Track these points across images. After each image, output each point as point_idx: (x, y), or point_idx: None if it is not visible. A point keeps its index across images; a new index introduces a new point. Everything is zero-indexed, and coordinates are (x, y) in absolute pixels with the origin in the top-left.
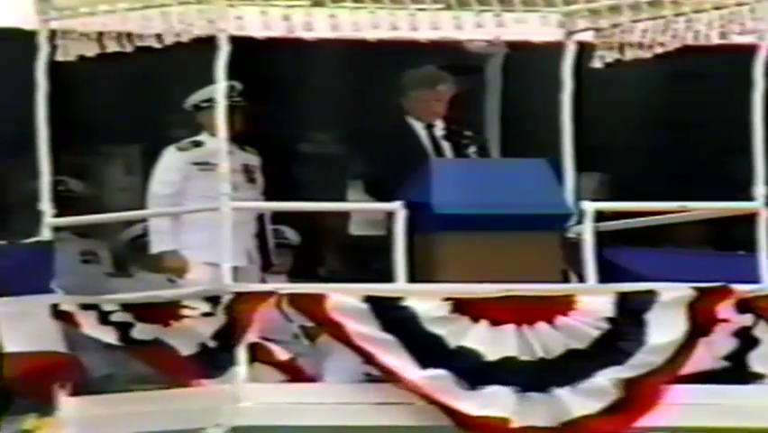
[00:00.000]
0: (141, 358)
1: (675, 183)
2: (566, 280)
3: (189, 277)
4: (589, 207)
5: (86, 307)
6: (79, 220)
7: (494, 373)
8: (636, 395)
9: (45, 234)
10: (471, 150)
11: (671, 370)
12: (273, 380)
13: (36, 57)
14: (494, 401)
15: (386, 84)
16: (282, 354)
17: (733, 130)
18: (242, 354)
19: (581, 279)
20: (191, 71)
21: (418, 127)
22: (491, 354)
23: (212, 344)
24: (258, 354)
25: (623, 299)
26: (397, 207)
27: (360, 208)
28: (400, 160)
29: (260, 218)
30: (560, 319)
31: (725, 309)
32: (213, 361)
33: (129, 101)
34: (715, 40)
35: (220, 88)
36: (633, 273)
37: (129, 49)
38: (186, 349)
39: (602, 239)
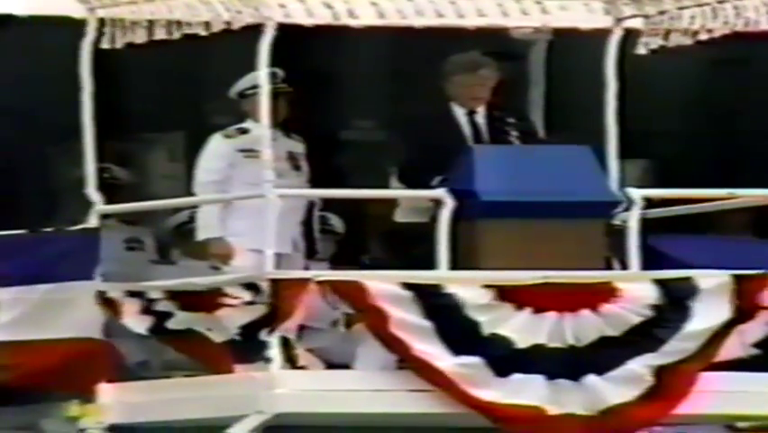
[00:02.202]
0: (175, 347)
1: (720, 170)
2: (609, 267)
3: (234, 264)
4: (637, 194)
5: (130, 294)
6: (127, 207)
7: (525, 361)
8: (670, 382)
9: (92, 222)
10: (513, 136)
11: (705, 357)
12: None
13: (81, 45)
14: (525, 389)
15: (430, 71)
16: (303, 359)
17: None
18: (278, 340)
19: (624, 266)
20: (233, 59)
21: (460, 113)
22: (523, 341)
23: (250, 332)
24: (286, 349)
25: (668, 287)
26: (443, 194)
27: (405, 195)
28: (438, 147)
29: (309, 206)
30: (603, 306)
31: (765, 296)
32: (251, 348)
33: (171, 88)
34: (765, 25)
35: (263, 75)
36: (677, 261)
37: (176, 36)
38: (223, 337)
39: (647, 226)
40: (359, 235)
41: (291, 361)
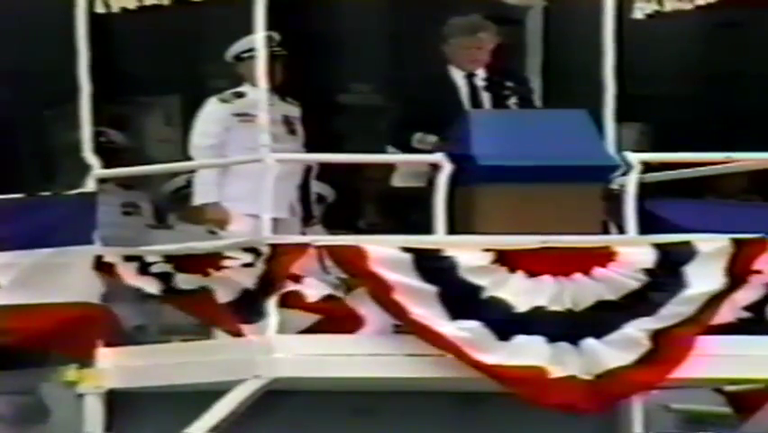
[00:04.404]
0: (184, 307)
1: (717, 133)
2: (606, 231)
3: (231, 229)
4: (634, 158)
5: (127, 258)
6: (124, 172)
7: (525, 324)
8: (667, 346)
9: (89, 186)
10: (512, 101)
11: (700, 321)
12: (304, 324)
13: (76, 8)
14: (527, 351)
15: (427, 35)
16: (312, 297)
17: None
18: (274, 305)
19: (622, 230)
20: (230, 22)
21: (458, 77)
22: (522, 304)
23: (250, 293)
24: (288, 300)
25: (664, 251)
26: (440, 158)
27: (403, 160)
28: (436, 110)
29: (306, 170)
30: (598, 271)
31: (762, 261)
32: (250, 310)
33: (168, 52)
34: None
35: (260, 38)
36: (674, 225)
37: (168, 1)
38: (224, 297)
39: (644, 190)
40: (355, 200)
41: (300, 308)
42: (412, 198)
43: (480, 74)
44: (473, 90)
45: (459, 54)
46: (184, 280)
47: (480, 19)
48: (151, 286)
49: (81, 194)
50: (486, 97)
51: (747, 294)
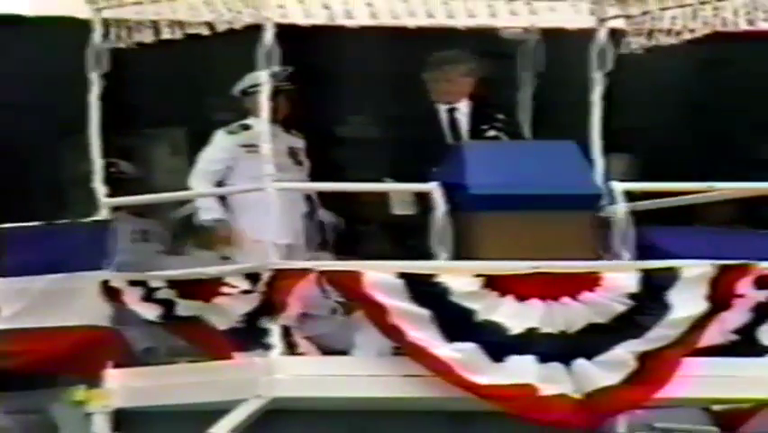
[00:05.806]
0: (180, 334)
1: (703, 165)
2: (599, 258)
3: (241, 252)
4: (618, 187)
5: (133, 283)
6: (137, 200)
7: (517, 345)
8: (653, 367)
9: (102, 214)
10: (492, 133)
11: (686, 344)
12: None
13: (87, 44)
14: (518, 371)
15: (420, 70)
16: (302, 347)
17: (759, 113)
18: (277, 328)
19: (613, 257)
20: (234, 57)
21: (442, 110)
22: (516, 327)
23: (249, 320)
24: (286, 337)
25: (647, 276)
26: (433, 187)
27: (398, 189)
28: (423, 143)
29: (310, 199)
30: (585, 295)
31: (743, 286)
32: (249, 336)
33: (174, 85)
34: (743, 26)
35: (266, 74)
36: (666, 252)
37: (178, 37)
38: (223, 325)
39: (636, 218)
40: (359, 228)
41: (291, 348)
42: (412, 226)
43: (462, 107)
44: (453, 123)
45: (432, 88)
46: (185, 307)
47: (455, 53)
48: (153, 312)
49: (96, 222)
50: (465, 130)
51: (735, 317)
